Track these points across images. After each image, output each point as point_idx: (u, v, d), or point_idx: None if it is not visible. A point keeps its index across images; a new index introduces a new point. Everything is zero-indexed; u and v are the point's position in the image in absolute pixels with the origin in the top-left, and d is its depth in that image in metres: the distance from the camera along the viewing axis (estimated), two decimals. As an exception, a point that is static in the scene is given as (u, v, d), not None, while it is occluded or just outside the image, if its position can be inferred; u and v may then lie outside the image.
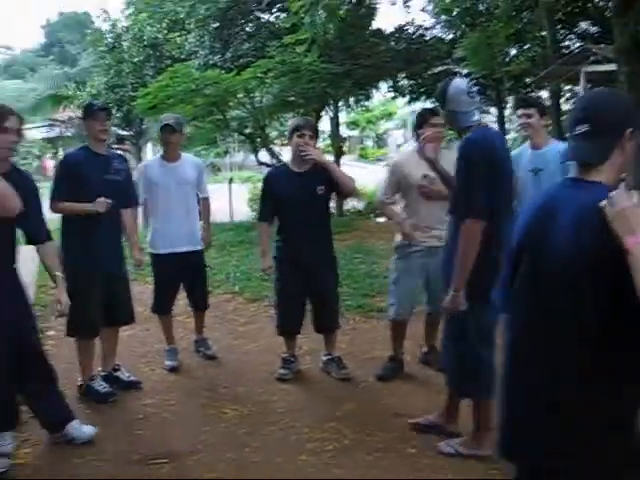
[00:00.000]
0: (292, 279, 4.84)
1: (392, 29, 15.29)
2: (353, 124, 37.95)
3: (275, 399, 4.63)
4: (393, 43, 14.79)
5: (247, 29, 14.44)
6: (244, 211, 15.21)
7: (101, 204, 4.28)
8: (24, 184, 3.62)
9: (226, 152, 21.18)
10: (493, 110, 17.59)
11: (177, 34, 14.73)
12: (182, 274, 5.18)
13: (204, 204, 5.54)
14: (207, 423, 4.29)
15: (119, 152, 5.80)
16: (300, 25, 12.71)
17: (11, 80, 49.91)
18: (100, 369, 4.83)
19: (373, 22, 15.08)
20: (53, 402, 4.00)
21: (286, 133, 15.48)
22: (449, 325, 3.72)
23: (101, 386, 4.60)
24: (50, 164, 34.22)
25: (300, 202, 4.69)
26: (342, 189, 4.80)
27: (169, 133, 5.08)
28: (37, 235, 3.85)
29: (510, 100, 16.99)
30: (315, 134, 4.80)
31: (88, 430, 4.04)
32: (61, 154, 28.57)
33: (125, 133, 19.56)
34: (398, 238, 4.83)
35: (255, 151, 15.05)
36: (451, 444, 3.73)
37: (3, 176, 3.57)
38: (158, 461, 3.83)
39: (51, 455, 3.94)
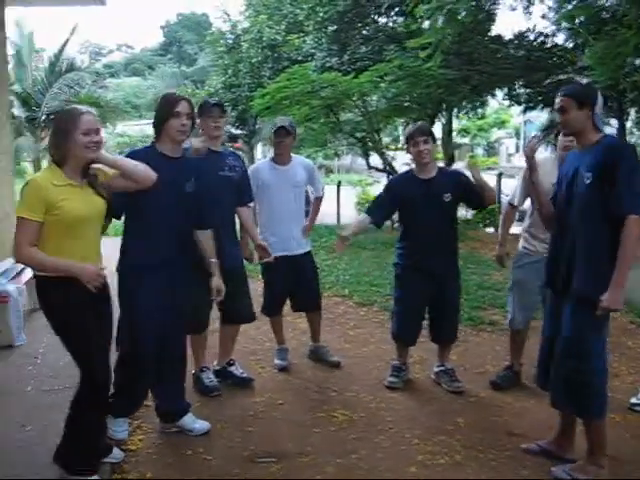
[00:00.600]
0: (414, 288, 4.75)
1: (512, 35, 14.95)
2: (464, 131, 37.34)
3: (384, 407, 4.57)
4: (512, 50, 14.43)
5: (364, 32, 14.42)
6: (351, 215, 15.22)
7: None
8: (198, 168, 3.90)
9: (335, 154, 21.28)
10: (613, 122, 16.90)
11: (295, 36, 14.88)
12: (293, 277, 5.15)
13: (316, 203, 5.54)
14: (316, 425, 4.28)
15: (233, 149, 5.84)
16: (419, 30, 12.67)
17: (131, 77, 52.10)
18: (215, 363, 4.91)
19: (492, 28, 14.80)
20: (176, 391, 4.10)
21: (400, 138, 15.49)
22: (564, 339, 3.54)
23: (208, 379, 4.68)
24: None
25: (425, 209, 4.60)
26: (484, 200, 4.70)
27: (283, 136, 5.05)
28: (201, 220, 3.96)
29: (633, 112, 16.28)
30: (431, 138, 4.68)
31: (202, 425, 4.11)
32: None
33: (239, 132, 20.00)
34: (520, 245, 4.74)
35: (366, 155, 15.03)
36: (566, 469, 3.57)
37: (177, 160, 3.75)
38: (267, 460, 3.84)
39: (162, 445, 4.00)
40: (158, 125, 3.75)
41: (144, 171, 3.44)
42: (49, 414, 4.11)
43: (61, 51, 20.49)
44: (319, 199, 5.55)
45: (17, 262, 3.28)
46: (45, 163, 20.79)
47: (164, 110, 3.71)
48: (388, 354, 5.42)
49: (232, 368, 4.89)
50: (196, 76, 25.10)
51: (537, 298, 4.63)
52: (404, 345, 5.00)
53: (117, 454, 3.76)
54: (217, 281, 4.07)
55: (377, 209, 4.89)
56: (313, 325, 5.45)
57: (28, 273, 6.07)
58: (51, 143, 3.30)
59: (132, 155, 3.67)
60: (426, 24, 13.60)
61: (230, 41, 16.73)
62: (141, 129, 29.93)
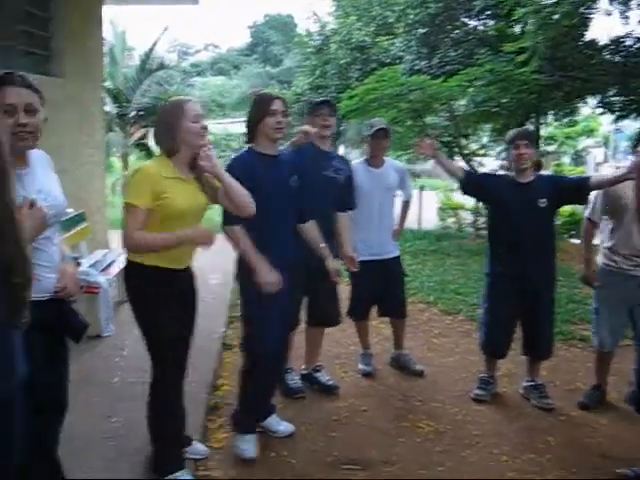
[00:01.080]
0: (506, 298, 4.59)
1: (607, 40, 14.42)
2: (550, 139, 36.35)
3: (470, 420, 4.44)
4: (607, 55, 13.92)
5: (454, 35, 14.18)
6: (432, 220, 15.03)
7: None
8: (295, 162, 3.87)
9: (418, 159, 21.04)
10: None
11: (384, 38, 14.75)
12: (381, 281, 5.05)
13: (404, 207, 5.46)
14: (401, 435, 4.19)
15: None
16: (512, 34, 12.38)
17: (216, 76, 52.96)
18: (303, 367, 4.88)
19: (587, 33, 14.32)
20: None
21: (487, 144, 15.15)
22: None
23: (292, 381, 4.64)
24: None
25: (520, 213, 4.44)
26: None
27: (382, 138, 4.96)
28: (303, 214, 3.93)
29: None
30: (532, 142, 4.51)
31: (286, 428, 4.09)
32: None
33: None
34: (600, 261, 4.56)
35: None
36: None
37: (273, 157, 3.72)
38: (351, 467, 3.79)
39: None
40: (253, 125, 3.71)
41: (245, 201, 3.34)
42: (134, 406, 4.13)
43: (152, 49, 20.89)
44: (407, 203, 5.47)
45: (129, 249, 3.22)
46: (133, 159, 21.33)
47: (259, 109, 3.68)
48: (474, 365, 5.29)
49: (318, 374, 4.85)
50: (282, 77, 25.25)
51: (625, 318, 4.42)
52: (493, 357, 4.85)
53: (202, 450, 3.77)
54: (333, 263, 4.15)
55: (475, 177, 4.78)
56: (397, 332, 5.35)
57: (118, 265, 6.19)
58: (159, 135, 3.28)
59: (236, 163, 3.66)
60: (518, 28, 13.32)
61: (318, 42, 16.74)
62: (225, 128, 30.38)
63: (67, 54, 6.76)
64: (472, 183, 4.72)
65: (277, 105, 3.65)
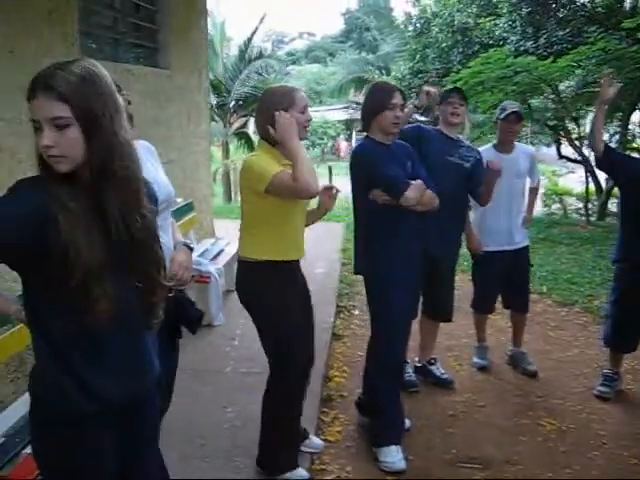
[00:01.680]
0: (637, 290, 4.30)
1: None
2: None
3: (595, 418, 4.21)
4: None
5: (560, 14, 13.58)
6: (536, 206, 14.50)
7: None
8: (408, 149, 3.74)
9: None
10: None
11: (488, 19, 14.28)
12: (508, 272, 4.78)
13: (532, 194, 5.14)
14: (522, 433, 4.01)
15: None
16: (621, 10, 11.74)
17: (312, 64, 53.11)
18: (416, 359, 4.76)
19: None
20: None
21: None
22: None
23: (407, 374, 4.50)
24: (343, 145, 35.93)
25: None
26: None
27: (514, 122, 4.64)
28: None
29: None
30: None
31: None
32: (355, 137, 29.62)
33: (423, 118, 19.68)
34: None
35: (557, 144, 14.25)
36: None
37: (388, 147, 3.57)
38: (471, 465, 3.66)
39: (360, 439, 3.89)
40: (370, 116, 3.59)
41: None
42: (247, 397, 4.13)
43: (250, 39, 21.14)
44: (536, 189, 5.17)
45: (314, 194, 3.01)
46: (232, 148, 21.67)
47: (378, 101, 3.54)
48: (594, 360, 5.05)
49: (433, 367, 4.70)
50: (380, 62, 24.99)
51: None
52: (619, 352, 4.57)
53: (317, 443, 3.71)
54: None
55: (615, 154, 4.53)
56: (517, 327, 5.07)
57: (226, 255, 6.22)
58: (263, 123, 3.11)
59: (367, 151, 3.56)
60: (627, 3, 12.64)
61: (419, 25, 16.40)
62: (322, 115, 30.43)
63: (173, 46, 6.82)
64: (610, 160, 4.38)
65: (397, 99, 3.51)
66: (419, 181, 3.43)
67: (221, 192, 19.00)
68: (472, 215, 4.83)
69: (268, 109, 3.07)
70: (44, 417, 1.75)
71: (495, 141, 4.88)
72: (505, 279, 4.82)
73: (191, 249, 2.91)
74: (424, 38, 16.13)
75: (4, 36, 3.76)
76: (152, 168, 2.69)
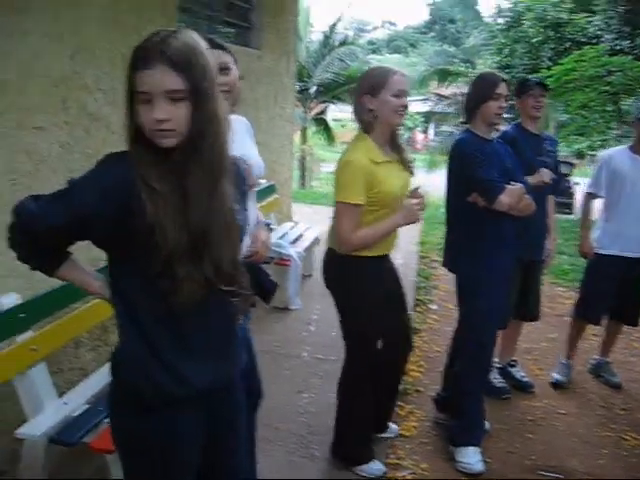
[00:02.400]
0: None
1: None
2: None
3: (682, 436, 4.01)
4: None
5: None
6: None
7: (547, 173, 3.98)
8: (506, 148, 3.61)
9: (602, 145, 19.82)
10: None
11: (582, 15, 13.84)
12: (624, 280, 4.45)
13: None
14: (603, 445, 3.86)
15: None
16: None
17: (392, 54, 52.76)
18: (496, 360, 4.63)
19: None
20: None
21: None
22: None
23: (497, 379, 4.37)
24: (420, 137, 35.55)
25: None
26: None
27: None
28: None
29: None
30: None
31: (482, 424, 3.86)
32: (432, 129, 29.29)
33: (505, 115, 19.24)
34: None
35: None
36: None
37: (489, 142, 3.47)
38: (551, 475, 3.53)
39: (436, 437, 3.81)
40: (473, 107, 3.47)
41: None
42: (323, 383, 4.11)
43: (335, 25, 21.07)
44: None
45: (347, 251, 3.03)
46: (311, 133, 21.68)
47: (483, 91, 3.43)
48: (682, 375, 4.82)
49: (513, 369, 4.55)
50: (463, 55, 24.57)
51: None
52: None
53: (393, 428, 3.68)
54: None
55: None
56: (612, 337, 4.79)
57: (306, 239, 6.19)
58: (359, 106, 3.05)
59: (469, 146, 3.41)
60: None
61: (509, 19, 16.02)
62: (401, 105, 29.99)
63: (265, 27, 6.81)
64: None
65: (502, 89, 3.39)
66: (518, 185, 3.30)
67: (297, 176, 19.07)
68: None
69: (361, 89, 3.02)
70: (128, 399, 1.71)
71: (631, 142, 4.50)
72: (620, 287, 4.47)
73: (271, 229, 2.87)
74: (513, 32, 15.75)
75: (107, 8, 3.79)
76: (244, 143, 2.63)
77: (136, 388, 1.66)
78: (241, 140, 2.53)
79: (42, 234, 1.64)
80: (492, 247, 3.42)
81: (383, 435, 3.62)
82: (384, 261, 3.22)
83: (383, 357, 3.29)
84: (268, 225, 2.88)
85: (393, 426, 3.71)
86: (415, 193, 2.99)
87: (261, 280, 2.72)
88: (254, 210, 2.73)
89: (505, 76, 3.58)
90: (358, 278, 3.10)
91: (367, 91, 2.99)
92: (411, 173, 3.18)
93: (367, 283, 3.11)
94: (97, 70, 3.69)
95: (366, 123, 3.04)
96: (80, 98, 3.58)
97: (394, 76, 2.99)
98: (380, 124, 3.02)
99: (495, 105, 3.38)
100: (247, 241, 2.60)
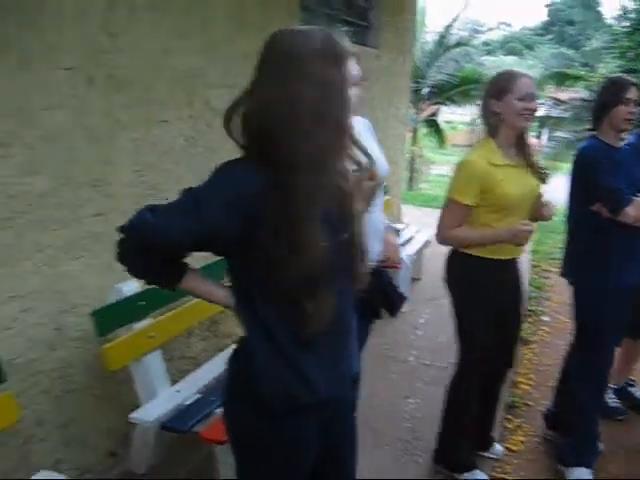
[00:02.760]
0: None
1: None
2: None
3: None
4: None
5: None
6: None
7: None
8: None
9: None
10: None
11: None
12: None
13: None
14: None
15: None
16: None
17: (507, 56, 51.65)
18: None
19: None
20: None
21: None
22: None
23: (611, 399, 4.16)
24: (532, 142, 34.60)
25: None
26: None
27: None
28: None
29: None
30: None
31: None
32: (546, 134, 28.41)
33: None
34: None
35: None
36: None
37: (617, 150, 3.32)
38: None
39: (545, 454, 3.66)
40: (602, 111, 3.30)
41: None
42: (429, 389, 4.04)
43: (450, 25, 20.79)
44: None
45: (439, 242, 3.11)
46: (421, 135, 21.49)
47: (612, 95, 3.26)
48: None
49: (633, 389, 4.33)
50: (582, 58, 23.76)
51: None
52: None
53: (498, 449, 3.55)
54: None
55: None
56: None
57: (417, 242, 6.11)
58: (485, 109, 3.01)
59: (594, 154, 3.25)
60: None
61: (634, 21, 15.28)
62: (513, 109, 29.27)
63: (383, 26, 6.77)
64: None
65: (632, 93, 3.22)
66: None
67: (405, 178, 18.95)
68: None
69: (488, 93, 2.97)
70: (253, 402, 1.68)
71: None
72: None
73: (398, 233, 2.83)
74: (638, 35, 15.02)
75: (234, 7, 3.85)
76: (370, 144, 2.59)
77: (265, 393, 1.64)
78: (364, 140, 2.49)
79: (165, 249, 1.60)
80: (622, 260, 3.25)
81: (488, 454, 3.51)
82: (508, 265, 3.12)
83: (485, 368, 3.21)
84: (396, 229, 2.83)
85: (498, 446, 3.57)
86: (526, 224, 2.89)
87: (390, 291, 2.69)
88: (381, 213, 2.69)
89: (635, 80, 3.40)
90: (476, 279, 3.05)
91: (493, 94, 2.94)
92: (542, 180, 3.07)
93: (483, 286, 3.04)
94: (221, 66, 3.76)
95: (491, 126, 2.99)
96: (204, 93, 3.65)
97: (520, 79, 2.91)
98: (505, 127, 2.95)
99: (625, 110, 3.21)
100: (378, 247, 2.57)
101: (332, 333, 1.66)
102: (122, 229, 1.59)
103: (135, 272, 1.67)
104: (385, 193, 6.32)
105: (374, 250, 2.48)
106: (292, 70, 1.51)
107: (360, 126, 2.52)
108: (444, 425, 3.32)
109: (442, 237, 3.04)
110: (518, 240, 2.90)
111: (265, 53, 1.56)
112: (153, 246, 1.57)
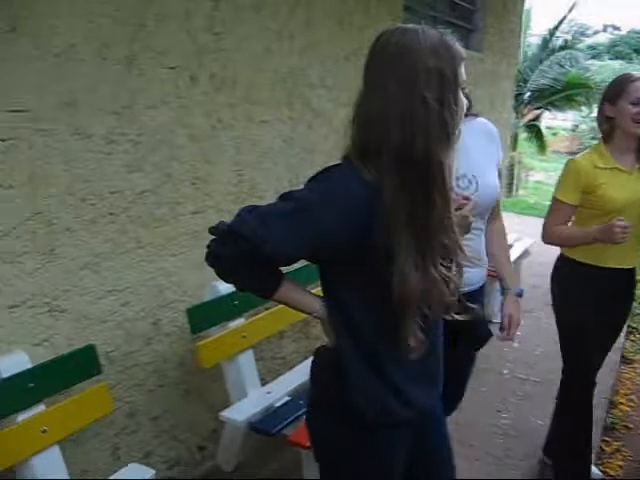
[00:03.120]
0: None
1: None
2: None
3: None
4: None
5: None
6: None
7: None
8: None
9: None
10: None
11: None
12: None
13: None
14: None
15: None
16: None
17: (614, 60, 49.78)
18: None
19: None
20: None
21: None
22: None
23: None
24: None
25: None
26: None
27: None
28: None
29: None
30: None
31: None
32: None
33: None
34: None
35: None
36: None
37: None
38: None
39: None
40: None
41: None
42: (524, 405, 3.91)
43: (556, 28, 20.21)
44: None
45: (545, 242, 3.04)
46: (521, 140, 20.98)
47: None
48: None
49: None
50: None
51: None
52: None
53: (596, 473, 3.38)
54: None
55: None
56: None
57: (516, 250, 5.93)
58: (599, 114, 2.96)
59: None
60: None
61: None
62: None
63: (487, 29, 6.62)
64: None
65: None
66: None
67: (504, 184, 18.48)
68: None
69: (603, 97, 2.92)
70: (342, 414, 1.63)
71: None
72: None
73: (520, 295, 2.64)
74: None
75: (336, 8, 3.83)
76: (481, 153, 2.33)
77: (357, 406, 1.59)
78: (477, 150, 2.34)
79: (272, 259, 1.52)
80: None
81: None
82: (617, 276, 2.97)
83: None
84: (519, 293, 2.68)
85: (595, 469, 3.40)
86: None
87: (478, 325, 2.58)
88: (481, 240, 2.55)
89: None
90: (574, 286, 2.99)
91: (608, 98, 2.89)
92: None
93: (581, 295, 2.95)
94: (322, 67, 3.74)
95: (605, 131, 2.93)
96: (304, 94, 3.64)
97: (634, 83, 2.81)
98: (620, 133, 2.87)
99: None
100: (479, 273, 2.42)
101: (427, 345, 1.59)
102: (222, 232, 1.53)
103: (228, 277, 1.59)
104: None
105: (473, 276, 2.33)
106: (408, 68, 1.42)
107: (475, 131, 2.32)
108: (557, 445, 3.23)
109: (545, 235, 3.01)
110: (611, 236, 2.67)
111: (376, 51, 1.49)
112: (258, 255, 1.48)
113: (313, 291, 1.71)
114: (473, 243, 2.23)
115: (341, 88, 3.85)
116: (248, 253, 1.49)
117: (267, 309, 3.29)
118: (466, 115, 1.93)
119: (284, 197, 1.52)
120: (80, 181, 2.39)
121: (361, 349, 1.57)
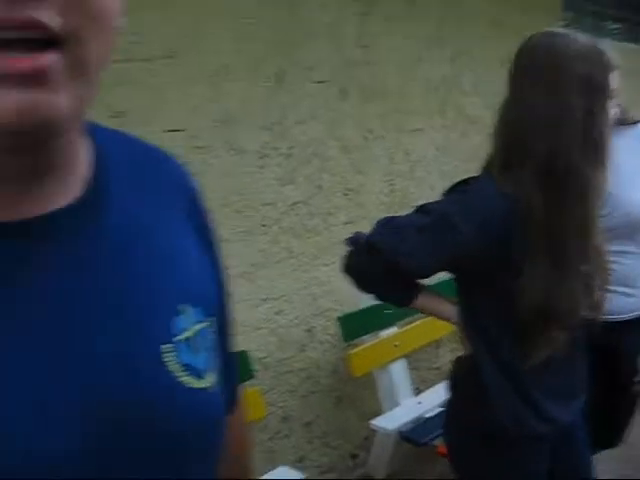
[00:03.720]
0: None
1: None
2: None
3: None
4: None
5: None
6: None
7: None
8: None
9: None
10: None
11: None
12: None
13: None
14: None
15: None
16: None
17: None
18: None
19: None
20: None
21: None
22: None
23: None
24: None
25: None
26: None
27: None
28: None
29: None
30: None
31: None
32: None
33: None
34: None
35: None
36: None
37: None
38: None
39: None
40: None
41: None
42: None
43: None
44: None
45: None
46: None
47: None
48: None
49: None
50: None
51: None
52: None
53: None
54: None
55: None
56: None
57: None
58: None
59: None
60: None
61: None
62: None
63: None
64: None
65: None
66: None
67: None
68: None
69: None
70: (483, 431, 1.60)
71: None
72: None
73: None
74: None
75: (488, 9, 3.74)
76: (634, 167, 2.15)
77: (496, 421, 1.55)
78: (632, 163, 2.15)
79: (414, 273, 1.53)
80: None
81: None
82: None
83: None
84: None
85: None
86: None
87: (629, 360, 2.41)
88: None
89: None
90: None
91: None
92: None
93: None
94: (474, 73, 3.68)
95: None
96: (458, 101, 3.59)
97: None
98: None
99: None
100: (628, 299, 2.27)
101: (559, 359, 1.54)
102: (360, 245, 1.56)
103: (365, 288, 1.63)
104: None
105: (624, 304, 2.20)
106: (555, 74, 1.38)
107: (629, 142, 2.16)
108: None
109: None
110: None
111: (522, 57, 1.46)
112: (398, 269, 1.48)
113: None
114: (621, 267, 2.07)
115: (496, 95, 3.76)
116: (386, 267, 1.49)
117: (421, 318, 3.27)
118: (620, 124, 1.83)
119: (422, 209, 1.51)
120: (235, 194, 2.51)
121: (497, 359, 1.54)
